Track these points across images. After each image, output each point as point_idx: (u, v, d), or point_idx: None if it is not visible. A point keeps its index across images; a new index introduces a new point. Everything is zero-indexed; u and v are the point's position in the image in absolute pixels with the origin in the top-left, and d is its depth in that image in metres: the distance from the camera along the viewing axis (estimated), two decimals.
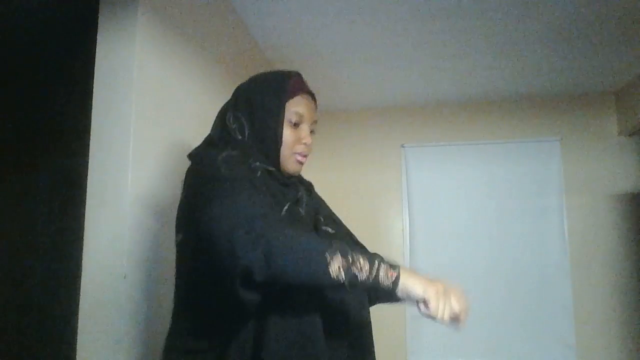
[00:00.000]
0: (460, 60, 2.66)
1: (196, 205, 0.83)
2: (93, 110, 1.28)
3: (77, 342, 1.19)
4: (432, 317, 0.75)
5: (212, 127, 1.03)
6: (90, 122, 1.27)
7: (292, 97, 0.96)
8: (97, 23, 1.30)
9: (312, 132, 1.01)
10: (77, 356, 1.19)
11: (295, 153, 0.98)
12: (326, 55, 2.59)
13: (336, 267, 0.71)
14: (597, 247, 3.09)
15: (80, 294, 1.20)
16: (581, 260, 3.08)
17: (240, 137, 0.95)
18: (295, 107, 0.96)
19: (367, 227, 3.36)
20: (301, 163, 1.00)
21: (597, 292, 3.05)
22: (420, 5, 2.06)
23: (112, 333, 1.18)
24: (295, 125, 0.97)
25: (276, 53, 2.55)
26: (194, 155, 0.95)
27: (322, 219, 1.02)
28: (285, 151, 0.96)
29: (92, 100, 1.28)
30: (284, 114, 0.95)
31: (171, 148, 1.45)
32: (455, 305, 0.75)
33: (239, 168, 0.86)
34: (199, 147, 1.01)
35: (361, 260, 0.73)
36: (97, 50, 1.30)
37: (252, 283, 0.71)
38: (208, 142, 1.01)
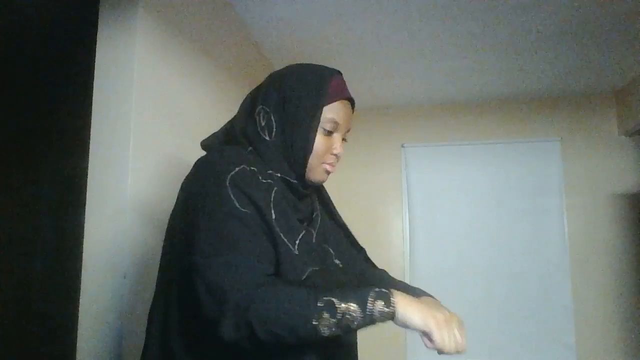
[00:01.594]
0: (460, 60, 2.66)
1: (190, 235, 0.76)
2: (93, 110, 1.28)
3: (77, 342, 1.19)
4: (438, 350, 0.72)
5: (238, 113, 0.92)
6: (90, 122, 1.27)
7: (330, 102, 0.86)
8: (97, 23, 1.30)
9: (344, 140, 0.91)
10: (77, 356, 1.19)
11: (324, 163, 0.88)
12: (326, 55, 2.59)
13: (325, 327, 0.67)
14: (597, 247, 3.09)
15: (80, 294, 1.20)
16: (581, 260, 3.08)
17: (267, 138, 0.86)
18: (332, 113, 0.86)
19: (367, 227, 3.36)
20: (328, 173, 0.91)
21: (597, 292, 3.05)
22: (420, 5, 2.06)
23: (112, 333, 1.18)
24: (329, 133, 0.87)
25: (276, 53, 2.55)
26: (202, 160, 0.84)
27: (332, 251, 0.93)
28: (314, 160, 0.86)
29: (92, 100, 1.28)
30: (319, 120, 0.85)
31: (171, 148, 1.45)
32: (458, 335, 0.73)
33: (251, 192, 0.76)
34: (216, 138, 0.93)
35: (351, 306, 0.69)
36: (97, 50, 1.30)
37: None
38: (228, 133, 0.92)
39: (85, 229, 1.23)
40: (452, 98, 3.32)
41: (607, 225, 3.10)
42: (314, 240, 0.88)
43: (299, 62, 0.94)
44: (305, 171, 0.87)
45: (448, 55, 2.60)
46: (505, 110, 3.34)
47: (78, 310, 1.20)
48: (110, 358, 1.17)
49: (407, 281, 3.62)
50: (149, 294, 1.26)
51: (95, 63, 1.29)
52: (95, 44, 1.30)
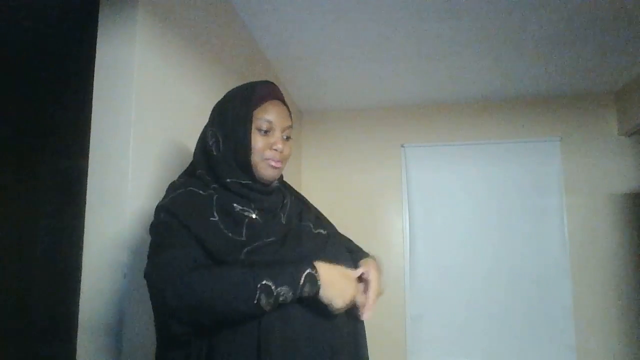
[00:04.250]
0: (460, 60, 2.66)
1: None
2: (93, 110, 1.28)
3: (77, 342, 1.19)
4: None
5: (195, 146, 1.05)
6: (90, 122, 1.27)
7: (259, 104, 0.98)
8: (97, 23, 1.30)
9: (288, 138, 1.02)
10: (77, 356, 1.19)
11: (267, 159, 0.98)
12: (326, 55, 2.59)
13: (265, 305, 0.79)
14: (597, 247, 3.09)
15: (80, 294, 1.20)
16: (581, 260, 3.08)
17: (215, 153, 0.98)
18: (264, 114, 0.97)
19: (367, 227, 3.36)
20: (275, 168, 0.99)
21: (597, 292, 3.05)
22: (421, 5, 2.06)
23: (112, 333, 1.18)
24: (266, 132, 0.98)
25: (276, 53, 2.55)
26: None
27: (312, 225, 1.02)
28: (255, 158, 0.97)
29: (92, 100, 1.28)
30: (251, 122, 0.96)
31: (171, 148, 1.45)
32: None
33: (176, 210, 0.89)
34: (179, 177, 1.05)
35: (284, 289, 0.80)
36: (97, 50, 1.30)
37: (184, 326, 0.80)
38: (189, 168, 1.05)
39: (85, 229, 1.23)
40: (452, 98, 3.32)
41: (607, 225, 3.10)
42: (283, 222, 0.99)
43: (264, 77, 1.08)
44: (252, 170, 0.97)
45: (448, 55, 2.60)
46: (505, 110, 3.34)
47: (78, 310, 1.20)
48: (110, 358, 1.17)
49: (407, 281, 3.60)
50: (149, 294, 1.26)
51: (95, 63, 1.29)
52: (95, 44, 1.30)
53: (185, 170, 1.06)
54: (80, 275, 1.21)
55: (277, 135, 0.99)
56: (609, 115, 3.21)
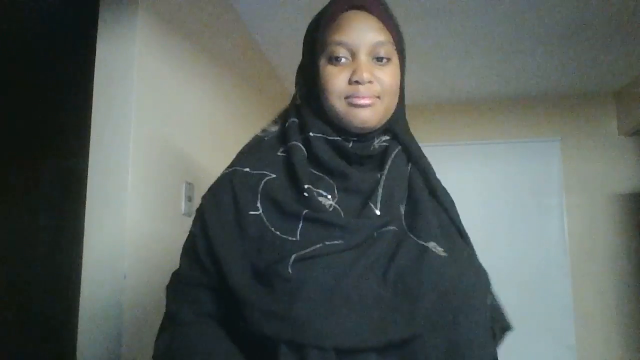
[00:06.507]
0: (460, 60, 2.66)
1: None
2: (93, 110, 1.28)
3: (77, 342, 1.19)
4: None
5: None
6: (90, 122, 1.27)
7: (330, 22, 0.67)
8: (97, 23, 1.30)
9: (382, 60, 0.67)
10: (77, 356, 1.19)
11: (348, 97, 0.65)
12: None
13: None
14: (597, 247, 3.09)
15: (80, 294, 1.20)
16: (581, 260, 3.08)
17: (299, 102, 0.72)
18: (334, 34, 0.66)
19: None
20: (363, 107, 0.65)
21: (597, 292, 3.05)
22: (420, 5, 2.06)
23: (112, 333, 1.18)
24: (338, 60, 0.66)
25: (276, 53, 2.55)
26: None
27: (435, 238, 0.68)
28: (332, 100, 0.66)
29: (92, 100, 1.28)
30: (319, 51, 0.67)
31: (171, 148, 1.45)
32: None
33: (205, 208, 0.67)
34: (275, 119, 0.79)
35: None
36: (97, 50, 1.30)
37: None
38: (289, 108, 0.76)
39: (85, 229, 1.23)
40: (452, 98, 3.32)
41: (607, 225, 3.10)
42: (377, 212, 0.65)
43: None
44: (335, 117, 0.67)
45: (448, 55, 2.60)
46: (505, 110, 3.34)
47: (78, 310, 1.20)
48: (110, 358, 1.17)
49: None
50: (149, 295, 1.26)
51: (95, 63, 1.29)
52: (95, 44, 1.30)
53: (286, 109, 0.76)
54: (80, 275, 1.21)
55: (359, 61, 0.65)
56: (609, 115, 3.21)
